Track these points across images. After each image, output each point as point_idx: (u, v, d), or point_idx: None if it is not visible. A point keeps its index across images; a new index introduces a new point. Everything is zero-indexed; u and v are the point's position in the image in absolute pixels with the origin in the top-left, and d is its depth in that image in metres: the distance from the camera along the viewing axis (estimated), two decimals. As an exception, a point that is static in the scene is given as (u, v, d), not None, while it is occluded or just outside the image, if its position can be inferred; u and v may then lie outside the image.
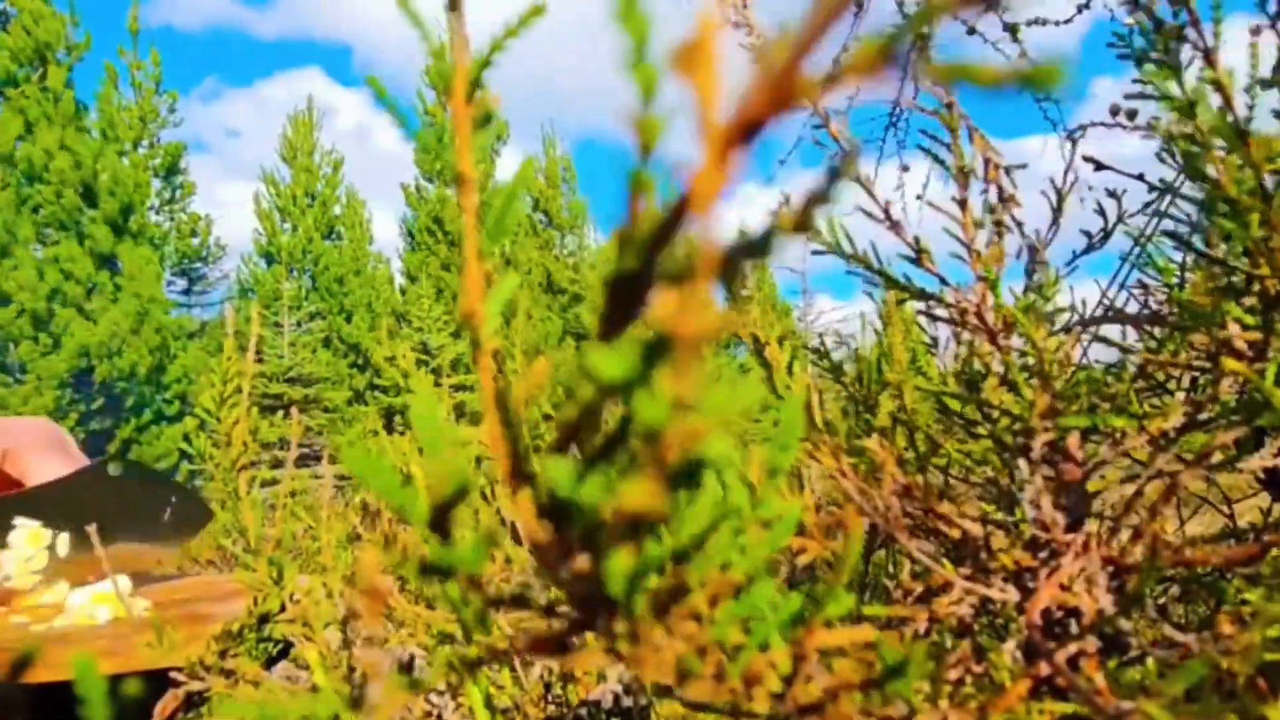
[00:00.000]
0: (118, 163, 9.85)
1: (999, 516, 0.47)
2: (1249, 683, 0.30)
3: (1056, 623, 0.36)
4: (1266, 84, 0.40)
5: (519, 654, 0.19)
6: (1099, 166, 0.53)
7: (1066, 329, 0.50)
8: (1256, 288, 0.41)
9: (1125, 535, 0.37)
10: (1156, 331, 0.51)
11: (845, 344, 0.67)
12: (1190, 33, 0.41)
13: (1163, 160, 0.47)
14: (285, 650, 0.72)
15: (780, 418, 0.23)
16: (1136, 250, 0.55)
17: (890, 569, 0.70)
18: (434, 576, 0.17)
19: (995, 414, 0.45)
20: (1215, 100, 0.40)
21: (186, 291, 15.14)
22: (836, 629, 0.21)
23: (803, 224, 0.13)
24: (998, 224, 0.46)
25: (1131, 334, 0.53)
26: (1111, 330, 0.53)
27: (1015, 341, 0.46)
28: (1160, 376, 0.49)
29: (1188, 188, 0.45)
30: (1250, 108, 0.40)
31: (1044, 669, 0.30)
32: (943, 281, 0.49)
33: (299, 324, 14.45)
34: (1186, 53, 0.42)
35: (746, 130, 0.12)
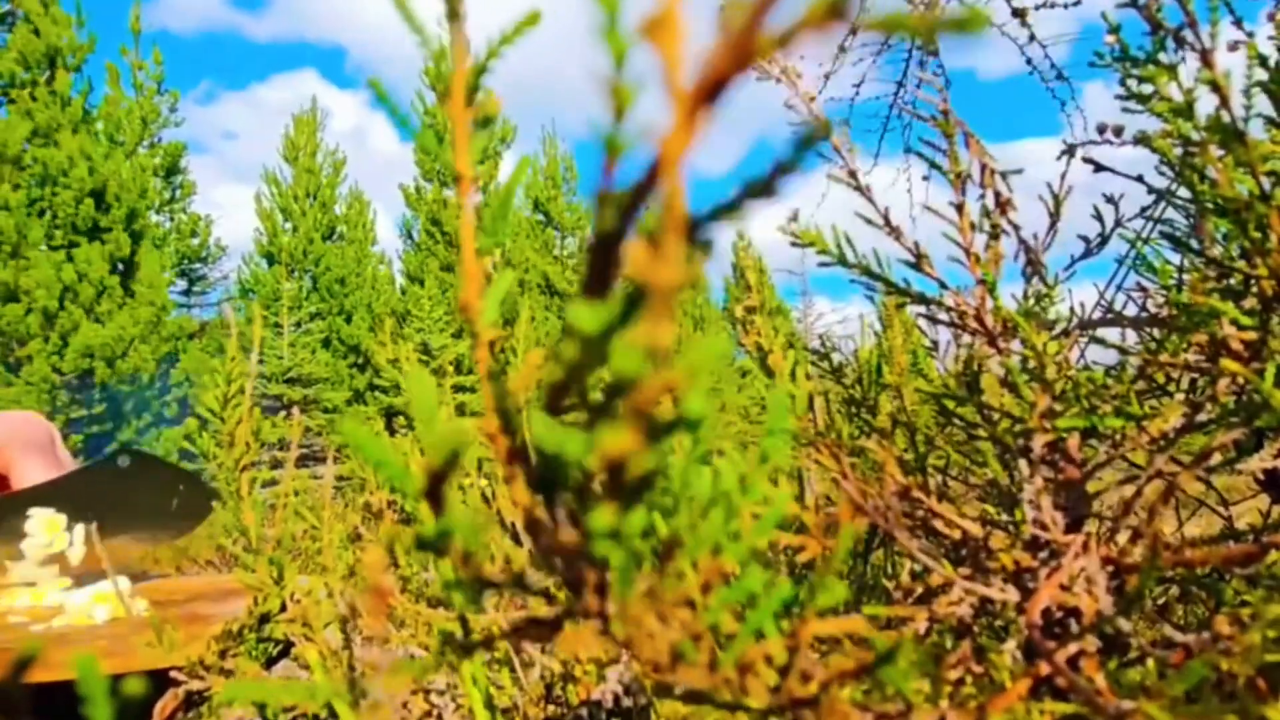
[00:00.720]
0: (124, 165, 9.86)
1: (999, 517, 0.47)
2: (1249, 683, 0.30)
3: (1056, 623, 0.36)
4: (1266, 85, 0.40)
5: (512, 637, 0.20)
6: (1098, 168, 0.53)
7: (1065, 332, 0.50)
8: (1254, 288, 0.41)
9: (1125, 536, 0.37)
10: (1155, 333, 0.51)
11: (839, 350, 0.67)
12: (1188, 34, 0.42)
13: (1162, 173, 0.47)
14: (285, 650, 0.72)
15: (768, 402, 0.23)
16: (1133, 253, 0.55)
17: (890, 569, 0.70)
18: (429, 550, 0.17)
19: (996, 415, 0.45)
20: (1213, 100, 0.40)
21: (186, 292, 15.15)
22: (829, 619, 0.21)
23: (768, 190, 0.14)
24: (994, 228, 0.46)
25: (1131, 335, 0.53)
26: (1110, 332, 0.53)
27: (1015, 344, 0.46)
28: (1159, 378, 0.50)
29: (1183, 192, 0.46)
30: (1247, 108, 0.40)
31: (1044, 669, 0.30)
32: (942, 285, 0.49)
33: (299, 324, 14.45)
34: (1177, 55, 0.42)
35: (711, 90, 0.13)
